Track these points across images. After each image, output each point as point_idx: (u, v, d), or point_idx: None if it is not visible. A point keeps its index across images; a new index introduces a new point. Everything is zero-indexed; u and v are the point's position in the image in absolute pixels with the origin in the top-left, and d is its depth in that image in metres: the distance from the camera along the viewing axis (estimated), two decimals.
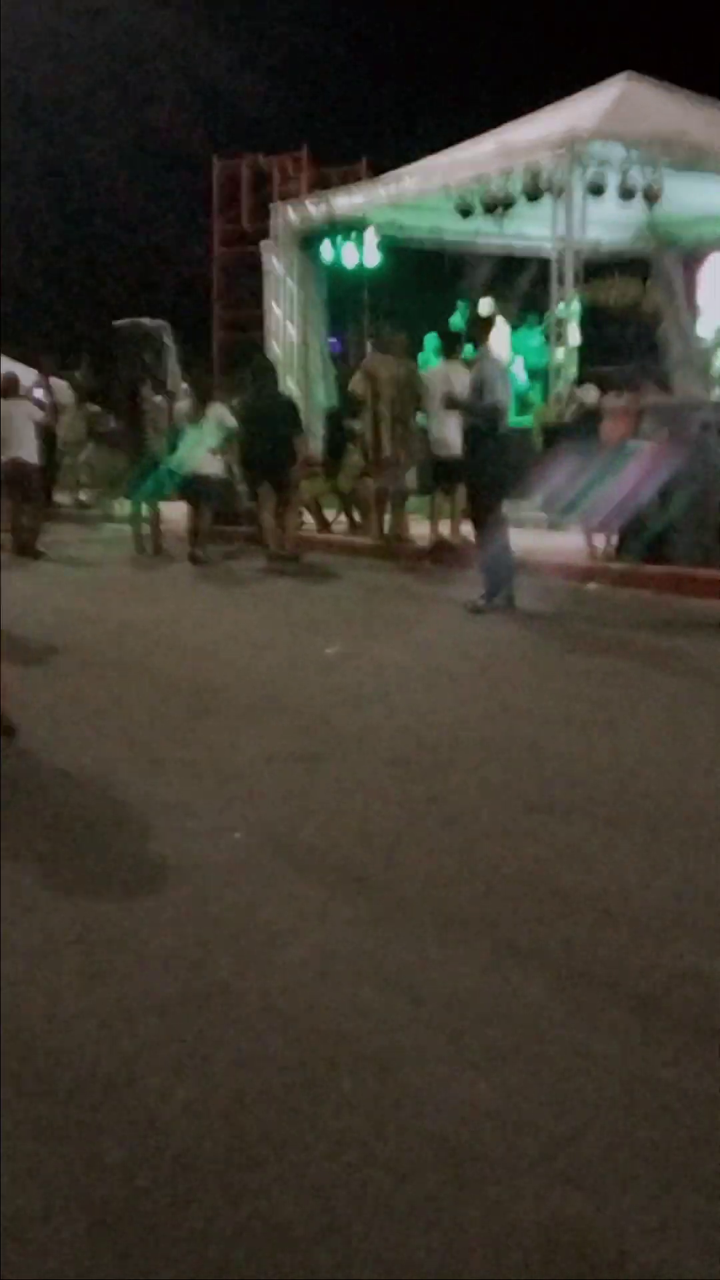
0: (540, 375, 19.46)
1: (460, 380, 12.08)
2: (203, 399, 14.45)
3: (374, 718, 7.13)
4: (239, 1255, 2.61)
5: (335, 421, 16.96)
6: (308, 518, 15.62)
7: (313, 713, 7.25)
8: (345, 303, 24.33)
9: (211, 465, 14.15)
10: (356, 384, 14.83)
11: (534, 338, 21.12)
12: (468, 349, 13.09)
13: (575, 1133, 3.01)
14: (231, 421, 13.99)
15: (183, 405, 15.16)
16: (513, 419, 17.70)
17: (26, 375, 18.54)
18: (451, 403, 11.56)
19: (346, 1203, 2.77)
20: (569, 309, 16.92)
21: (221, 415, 14.08)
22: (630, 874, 4.69)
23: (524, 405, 19.96)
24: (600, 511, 12.74)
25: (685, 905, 4.40)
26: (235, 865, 4.82)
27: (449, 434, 12.75)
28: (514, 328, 21.75)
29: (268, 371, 15.26)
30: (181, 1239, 2.66)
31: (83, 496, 19.87)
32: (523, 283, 24.19)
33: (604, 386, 14.42)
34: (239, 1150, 2.97)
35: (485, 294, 22.14)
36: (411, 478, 14.43)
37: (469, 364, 12.00)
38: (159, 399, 16.16)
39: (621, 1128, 3.04)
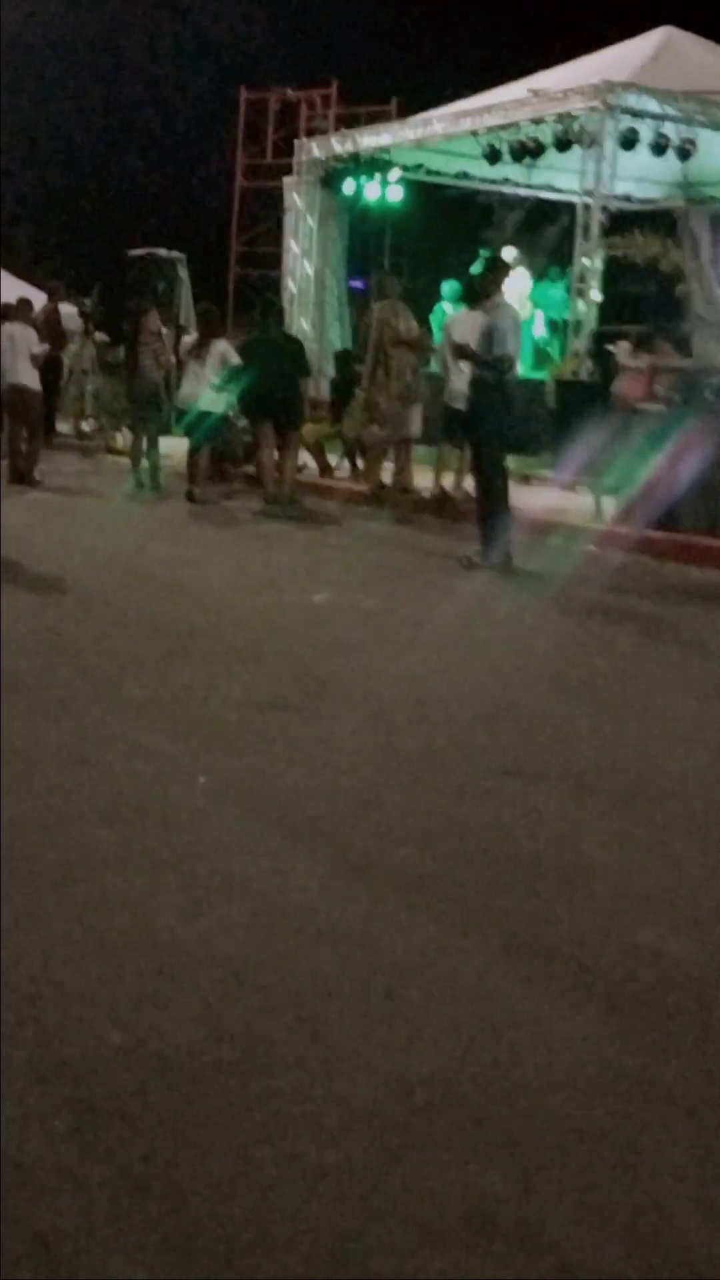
0: (561, 329, 19.32)
1: (475, 328, 11.94)
2: (207, 334, 14.25)
3: (354, 669, 7.07)
4: (155, 1209, 2.57)
5: (345, 364, 16.80)
6: (311, 462, 15.49)
7: (292, 661, 7.19)
8: (368, 243, 24.14)
9: (213, 402, 14.00)
10: (365, 328, 14.71)
11: (557, 290, 20.94)
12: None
13: (508, 1108, 2.97)
14: (235, 359, 13.83)
15: (189, 339, 14.96)
16: (528, 372, 17.64)
17: (39, 300, 18.39)
18: (460, 352, 11.42)
19: (267, 1162, 2.74)
20: (594, 263, 16.77)
21: (225, 351, 13.91)
22: (595, 846, 4.64)
23: (542, 358, 19.83)
24: (610, 474, 12.64)
25: (648, 881, 4.35)
26: (195, 810, 4.77)
27: (462, 384, 12.60)
28: (537, 279, 21.57)
29: (274, 310, 15.12)
30: (94, 1184, 2.63)
31: (85, 427, 19.72)
32: (549, 233, 23.96)
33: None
34: (165, 1103, 2.93)
35: (510, 242, 21.95)
36: (419, 427, 14.28)
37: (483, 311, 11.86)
38: (164, 329, 15.99)
39: (558, 1106, 2.99)
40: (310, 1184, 2.67)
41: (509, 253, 19.33)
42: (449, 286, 17.63)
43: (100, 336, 20.18)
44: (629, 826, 4.85)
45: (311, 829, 4.66)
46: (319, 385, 17.89)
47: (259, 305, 15.72)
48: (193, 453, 14.14)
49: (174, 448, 14.79)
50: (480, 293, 11.36)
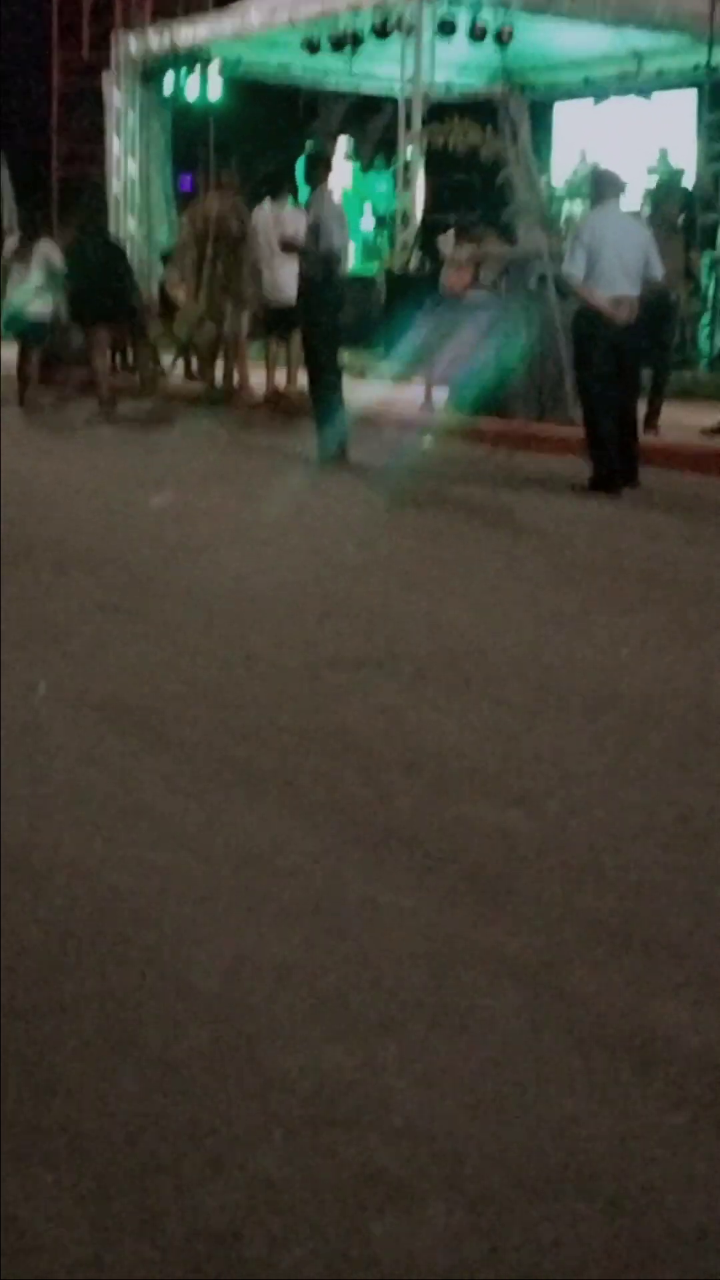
0: (388, 222, 19.19)
1: (293, 223, 11.80)
2: (29, 236, 13.89)
3: (193, 571, 7.02)
4: None
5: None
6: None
7: (131, 564, 7.12)
8: (193, 140, 23.65)
9: (38, 306, 13.67)
10: (185, 226, 14.45)
11: (382, 182, 20.77)
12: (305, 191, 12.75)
13: (351, 986, 3.01)
14: (58, 261, 13.50)
15: (11, 241, 14.56)
16: (359, 266, 17.50)
17: None
18: (286, 246, 11.27)
19: (110, 1055, 2.74)
20: (416, 153, 16.64)
21: (48, 253, 13.57)
22: (431, 731, 4.69)
23: (371, 252, 19.69)
24: (438, 364, 12.65)
25: (485, 760, 4.41)
26: (34, 720, 4.71)
27: (281, 279, 12.44)
28: (364, 170, 21.39)
29: (96, 211, 14.77)
30: None
31: None
32: (373, 124, 23.75)
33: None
34: (12, 999, 2.91)
35: (336, 134, 21.69)
36: (247, 324, 14.12)
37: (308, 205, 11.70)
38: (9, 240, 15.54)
39: (397, 980, 3.04)
40: (159, 1074, 2.68)
41: (333, 144, 19.15)
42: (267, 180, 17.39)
43: None
44: (464, 710, 4.91)
45: (153, 733, 4.63)
46: (150, 287, 17.57)
47: (79, 204, 15.31)
48: (22, 357, 13.83)
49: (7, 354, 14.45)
50: (310, 185, 11.23)
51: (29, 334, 13.72)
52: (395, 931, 3.26)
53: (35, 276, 13.48)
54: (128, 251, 15.58)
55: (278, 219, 12.97)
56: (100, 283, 13.37)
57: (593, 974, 3.08)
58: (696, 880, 3.57)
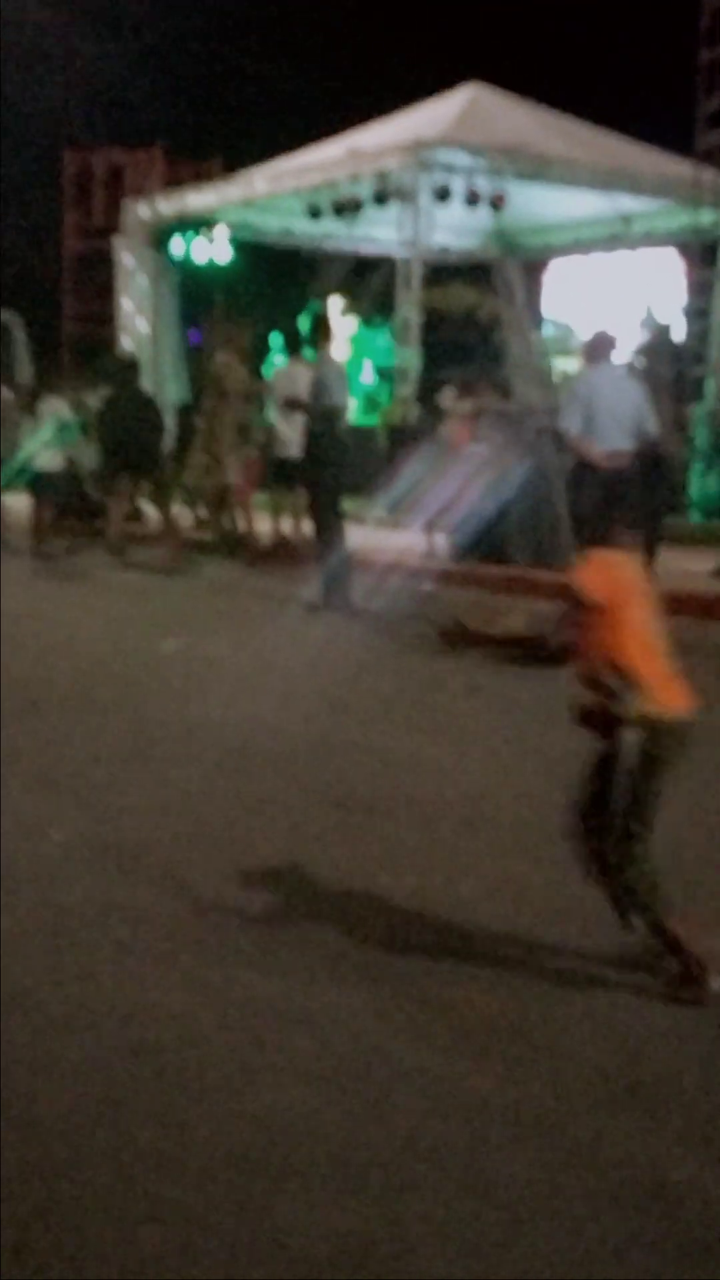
0: (389, 376, 19.57)
1: (304, 380, 12.04)
2: (34, 395, 14.30)
3: (203, 715, 7.05)
4: (10, 1260, 2.52)
5: (186, 417, 16.84)
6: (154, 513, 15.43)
7: (141, 709, 7.15)
8: (200, 299, 24.17)
9: (50, 461, 13.93)
10: (204, 381, 14.80)
11: (382, 338, 21.22)
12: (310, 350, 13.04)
13: (373, 1142, 2.97)
14: (68, 415, 13.79)
15: (9, 398, 14.86)
16: (360, 418, 17.80)
17: None
18: (290, 403, 11.53)
19: (129, 1207, 2.70)
20: (414, 313, 17.02)
21: (57, 409, 13.86)
22: (429, 873, 4.69)
23: (372, 405, 20.07)
24: (439, 512, 12.81)
25: (498, 906, 4.40)
26: (47, 866, 4.70)
27: (293, 433, 12.70)
28: (363, 326, 21.88)
29: (129, 368, 15.08)
30: None
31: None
32: (372, 282, 24.27)
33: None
34: (36, 1154, 2.87)
35: (335, 294, 22.19)
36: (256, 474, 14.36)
37: (313, 365, 11.96)
38: (9, 395, 15.84)
39: (410, 1131, 3.00)
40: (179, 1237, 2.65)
41: (336, 302, 19.60)
42: (277, 338, 17.81)
43: None
44: (474, 856, 4.90)
45: (167, 877, 4.62)
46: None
47: (110, 361, 15.72)
48: (36, 507, 14.04)
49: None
50: (314, 347, 11.50)
51: (40, 485, 13.93)
52: (404, 1087, 3.24)
53: (45, 431, 13.75)
54: None
55: (290, 376, 13.26)
56: (135, 434, 13.70)
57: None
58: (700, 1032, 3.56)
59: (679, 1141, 3.01)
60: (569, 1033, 3.52)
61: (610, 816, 3.77)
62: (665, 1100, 3.19)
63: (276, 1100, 3.15)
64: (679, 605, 10.47)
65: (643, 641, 3.76)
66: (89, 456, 14.70)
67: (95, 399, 14.66)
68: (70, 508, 15.07)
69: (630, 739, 3.77)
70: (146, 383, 20.39)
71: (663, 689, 3.73)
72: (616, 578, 3.81)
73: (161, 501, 14.07)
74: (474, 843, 5.05)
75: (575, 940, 4.09)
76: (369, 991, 3.73)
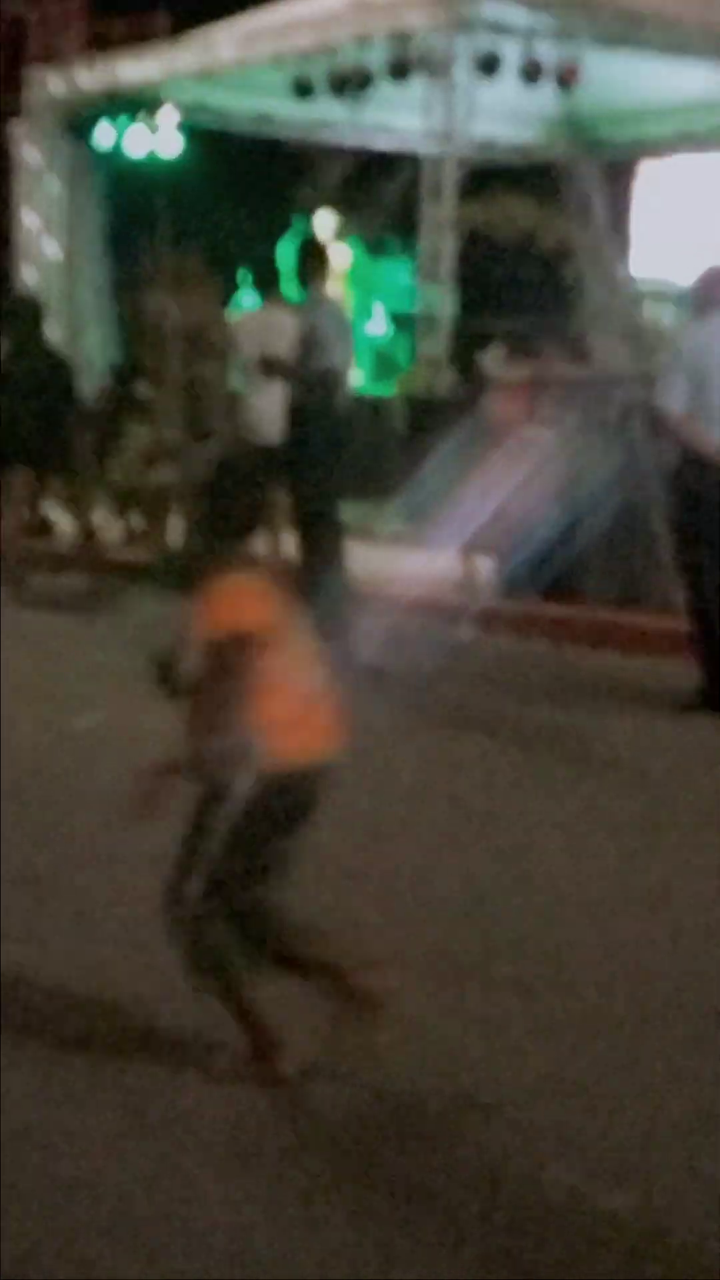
0: (409, 325, 19.64)
1: (286, 330, 12.08)
2: None
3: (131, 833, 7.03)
4: None
5: (118, 385, 16.91)
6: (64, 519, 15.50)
7: (53, 821, 7.17)
8: (134, 212, 24.26)
9: None
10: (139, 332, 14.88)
11: (401, 273, 21.33)
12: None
13: None
14: None
15: None
16: (367, 386, 17.87)
17: None
18: (269, 366, 11.53)
19: None
20: (448, 236, 17.08)
21: None
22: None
23: (385, 367, 20.13)
24: (484, 525, 12.82)
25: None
26: None
27: (266, 408, 12.71)
28: (370, 256, 21.99)
29: (27, 311, 15.16)
30: None
31: None
32: (385, 194, 24.39)
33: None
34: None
35: (332, 207, 22.32)
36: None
37: (299, 309, 12.00)
38: None
39: None
40: None
41: (328, 220, 19.72)
42: (246, 275, 17.93)
43: None
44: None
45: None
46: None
47: (6, 305, 15.84)
48: None
49: None
50: (303, 283, 11.52)
51: None
52: None
53: None
54: None
55: (264, 325, 13.27)
56: (34, 408, 13.74)
57: None
58: None
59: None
60: None
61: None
62: None
63: None
64: None
65: (269, 682, 4.52)
66: None
67: None
68: None
69: (242, 787, 4.55)
70: (54, 332, 20.57)
71: (288, 734, 4.55)
72: (245, 610, 4.58)
73: (77, 507, 14.11)
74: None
75: None
76: None
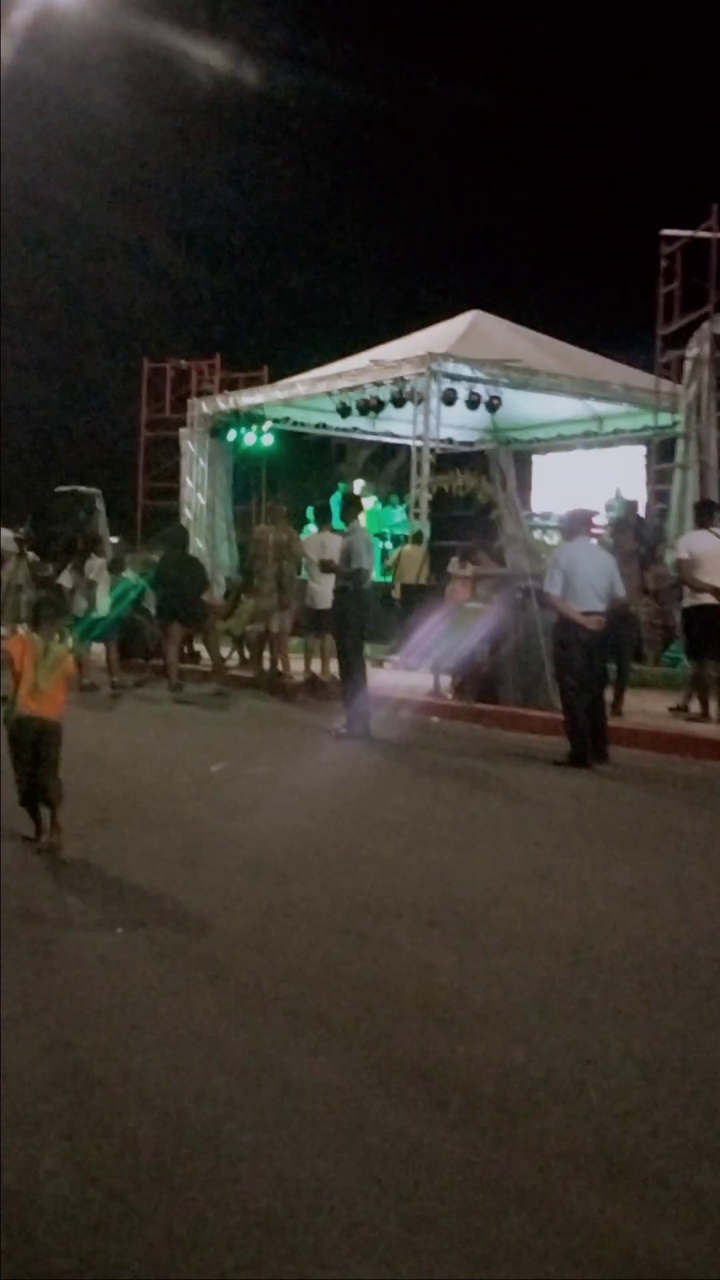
0: (401, 543, 19.74)
1: (332, 546, 12.14)
2: (117, 561, 14.72)
3: (243, 827, 6.98)
4: None
5: (237, 577, 17.07)
6: (206, 654, 15.48)
7: (194, 824, 7.07)
8: (248, 479, 24.60)
9: (123, 613, 14.29)
10: (250, 547, 15.00)
11: (398, 514, 21.57)
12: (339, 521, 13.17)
13: (375, 1202, 2.87)
14: (135, 576, 14.20)
15: (98, 562, 15.08)
16: (379, 577, 17.91)
17: None
18: (325, 566, 11.60)
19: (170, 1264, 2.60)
20: (425, 494, 17.24)
21: (130, 571, 14.19)
22: (442, 972, 4.58)
23: (387, 568, 20.22)
24: (443, 658, 12.83)
25: (490, 1000, 4.29)
26: (111, 957, 4.63)
27: (322, 589, 12.81)
28: (381, 505, 22.24)
29: (181, 537, 15.49)
30: None
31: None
32: (389, 468, 24.70)
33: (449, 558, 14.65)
34: (91, 1220, 2.78)
35: (359, 475, 22.58)
36: (289, 623, 14.45)
37: (341, 533, 12.05)
38: (99, 560, 16.01)
39: (420, 1206, 2.90)
40: None
41: (358, 484, 19.89)
42: (312, 511, 18.06)
43: (32, 556, 20.08)
44: (469, 954, 4.80)
45: (212, 968, 4.53)
46: (213, 593, 18.02)
47: (168, 531, 16.13)
48: (109, 651, 14.16)
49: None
50: (344, 520, 11.62)
51: (115, 633, 14.25)
52: (414, 1156, 3.14)
53: (120, 589, 14.10)
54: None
55: (321, 542, 13.40)
56: (182, 589, 13.90)
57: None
58: (690, 1114, 3.44)
59: (660, 1214, 2.89)
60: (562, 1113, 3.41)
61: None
62: (637, 1171, 3.08)
63: (296, 1165, 3.05)
64: (638, 739, 10.45)
65: (20, 674, 6.21)
66: (152, 607, 14.87)
67: (158, 560, 14.94)
68: (137, 650, 15.18)
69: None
70: (203, 546, 20.75)
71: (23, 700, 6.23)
72: (20, 646, 6.25)
73: (210, 644, 14.21)
74: (471, 941, 4.95)
75: (560, 1031, 3.98)
76: (383, 1076, 3.64)
